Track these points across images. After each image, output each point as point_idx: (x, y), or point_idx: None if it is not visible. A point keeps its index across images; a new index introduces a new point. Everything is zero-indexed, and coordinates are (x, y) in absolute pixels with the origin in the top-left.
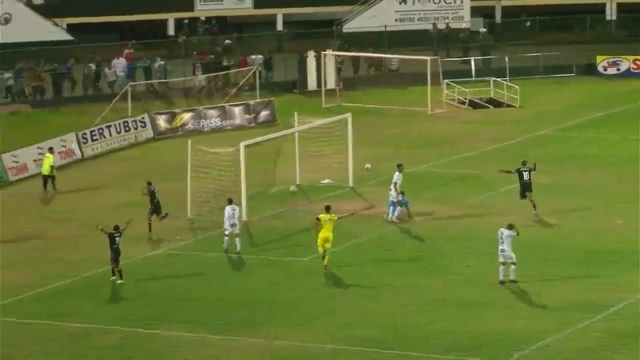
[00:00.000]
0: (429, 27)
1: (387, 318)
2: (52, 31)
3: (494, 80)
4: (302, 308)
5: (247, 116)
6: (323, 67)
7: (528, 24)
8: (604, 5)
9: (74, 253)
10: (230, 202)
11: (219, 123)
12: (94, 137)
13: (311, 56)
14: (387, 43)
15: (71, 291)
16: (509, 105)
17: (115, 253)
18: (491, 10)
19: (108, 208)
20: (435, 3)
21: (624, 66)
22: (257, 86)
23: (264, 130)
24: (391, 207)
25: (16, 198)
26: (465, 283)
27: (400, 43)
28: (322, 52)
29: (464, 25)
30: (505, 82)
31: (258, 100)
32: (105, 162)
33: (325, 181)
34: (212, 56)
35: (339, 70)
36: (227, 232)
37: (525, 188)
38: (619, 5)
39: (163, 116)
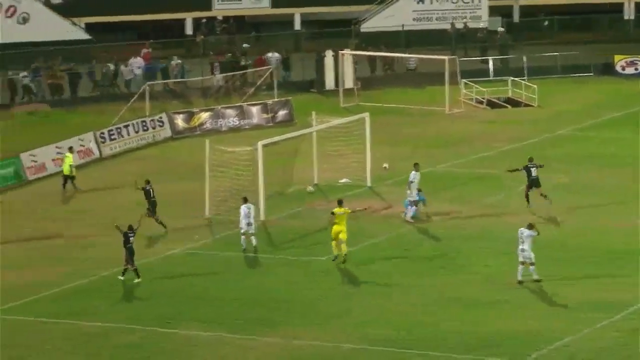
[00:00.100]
0: (447, 26)
1: (404, 317)
2: (70, 30)
3: (512, 80)
4: (320, 307)
5: (265, 116)
6: (341, 66)
7: (546, 23)
8: (621, 4)
9: (92, 252)
10: (245, 200)
11: (237, 122)
12: (112, 137)
13: (329, 55)
14: (405, 42)
15: (89, 290)
16: (527, 105)
17: (130, 252)
18: (509, 10)
19: (126, 207)
20: (453, 2)
21: None
22: (275, 86)
23: (282, 130)
24: (409, 207)
25: (35, 197)
26: (483, 283)
27: (417, 42)
28: (340, 51)
29: (481, 25)
30: (523, 82)
31: (276, 99)
32: (123, 161)
33: (343, 181)
34: (229, 54)
35: (355, 70)
36: (243, 231)
37: (534, 184)
38: (637, 4)
39: (181, 115)
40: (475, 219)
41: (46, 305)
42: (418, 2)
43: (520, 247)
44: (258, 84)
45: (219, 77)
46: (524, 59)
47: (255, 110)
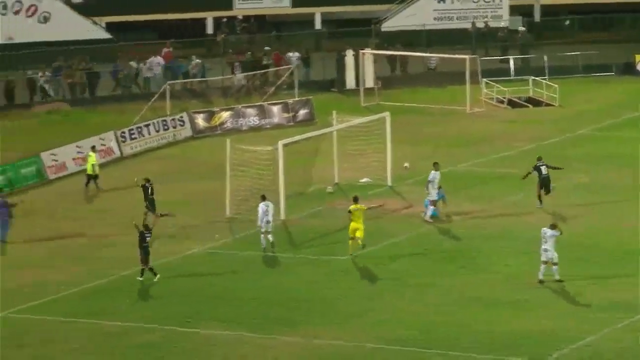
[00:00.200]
0: (468, 25)
1: (425, 317)
2: (90, 30)
3: (533, 79)
4: (340, 307)
5: (286, 115)
6: (361, 65)
7: (567, 22)
8: None
9: (112, 251)
10: (263, 198)
11: (258, 122)
12: (133, 136)
13: (349, 55)
14: (426, 42)
15: (108, 290)
16: (548, 105)
17: (145, 252)
18: (530, 9)
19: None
20: (474, 2)
21: None
22: (296, 85)
23: (303, 129)
24: (428, 207)
25: (56, 196)
26: (503, 282)
27: (438, 42)
28: (361, 50)
29: (502, 24)
30: (544, 81)
31: (296, 99)
32: (144, 160)
33: (364, 180)
34: (249, 53)
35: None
36: (262, 230)
37: (544, 182)
38: None
39: (202, 115)
40: (496, 219)
41: (66, 304)
42: (439, 2)
43: (543, 246)
44: (278, 83)
45: (239, 77)
46: (545, 58)
47: (275, 109)
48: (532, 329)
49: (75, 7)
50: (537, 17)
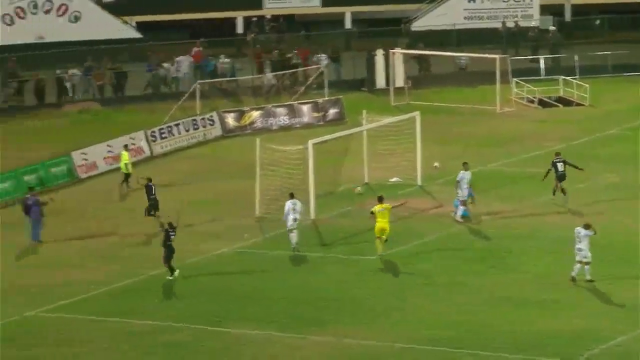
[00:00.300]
0: (498, 25)
1: (455, 317)
2: (121, 29)
3: (563, 79)
4: (370, 306)
5: (316, 114)
6: (391, 65)
7: (598, 22)
8: None
9: (142, 250)
10: (291, 196)
11: (288, 121)
12: (163, 135)
13: (379, 54)
14: (456, 41)
15: (138, 289)
16: (578, 104)
17: (170, 251)
18: (560, 9)
19: (177, 206)
20: (504, 1)
21: None
22: (326, 84)
23: (333, 129)
24: (458, 206)
25: (86, 195)
26: (533, 282)
27: (468, 41)
28: (391, 50)
29: (533, 24)
30: (574, 81)
31: (326, 98)
32: (174, 160)
33: (394, 179)
34: (276, 51)
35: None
36: (288, 227)
37: (560, 178)
38: None
39: (232, 114)
40: (526, 218)
41: (96, 303)
42: (469, 1)
43: (577, 246)
44: (308, 83)
45: (269, 76)
46: (576, 58)
47: (305, 108)
48: (563, 328)
49: (106, 7)
50: (567, 16)
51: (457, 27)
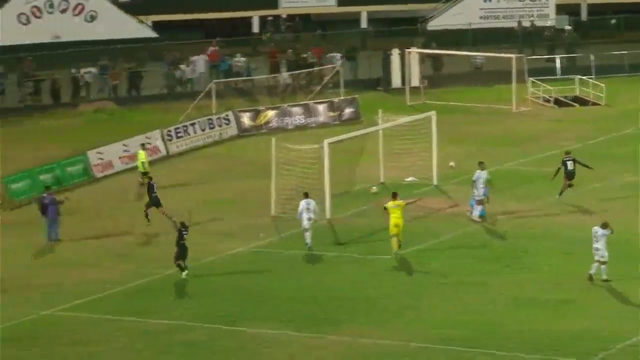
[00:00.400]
0: (514, 24)
1: (470, 316)
2: (137, 29)
3: (579, 79)
4: (385, 306)
5: (331, 114)
6: (407, 64)
7: (613, 21)
8: None
9: (157, 250)
10: (306, 196)
11: (303, 120)
12: (179, 135)
13: (395, 54)
14: (472, 41)
15: (153, 288)
16: (594, 104)
17: (182, 250)
18: (576, 8)
19: (193, 205)
20: (520, 1)
21: None
22: (341, 84)
23: (348, 128)
24: (474, 206)
25: (102, 194)
26: (549, 282)
27: (484, 41)
28: (407, 49)
29: (549, 23)
30: (590, 80)
31: (342, 97)
32: (190, 159)
33: (409, 179)
34: (290, 51)
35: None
36: (302, 227)
37: (569, 176)
38: None
39: (247, 114)
40: (542, 218)
41: (111, 302)
42: (485, 0)
43: (595, 245)
44: (324, 82)
45: (285, 75)
46: (592, 57)
47: (321, 108)
48: (578, 328)
49: (122, 6)
50: (583, 16)
51: (473, 26)
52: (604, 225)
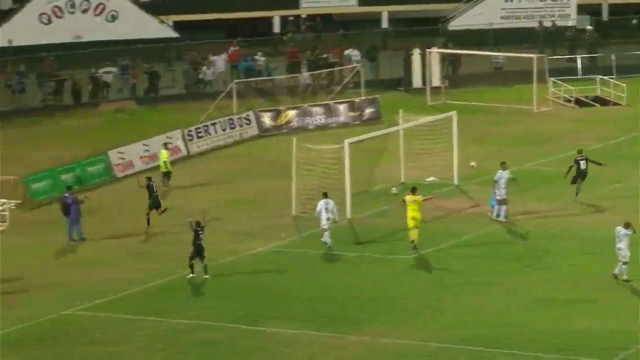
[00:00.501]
0: (535, 24)
1: (491, 316)
2: (158, 29)
3: (600, 79)
4: (406, 306)
5: (352, 114)
6: (428, 64)
7: (635, 21)
8: None
9: (177, 249)
10: (325, 196)
11: (324, 120)
12: (200, 134)
13: (416, 54)
14: (493, 41)
15: (173, 288)
16: (615, 104)
17: (199, 249)
18: (598, 8)
19: (213, 205)
20: (541, 1)
21: None
22: (362, 84)
23: (369, 128)
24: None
25: (123, 194)
26: (569, 282)
27: (505, 41)
28: (427, 49)
29: (570, 23)
30: (611, 80)
31: (363, 97)
32: (211, 159)
33: (430, 179)
34: (309, 52)
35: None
36: (321, 227)
37: (579, 175)
38: None
39: (268, 114)
40: (563, 218)
41: (131, 302)
42: (506, 1)
43: (617, 245)
44: (345, 82)
45: (305, 75)
46: (613, 57)
47: (342, 108)
48: (599, 328)
49: (143, 6)
50: (604, 16)
51: (494, 26)
52: (627, 225)
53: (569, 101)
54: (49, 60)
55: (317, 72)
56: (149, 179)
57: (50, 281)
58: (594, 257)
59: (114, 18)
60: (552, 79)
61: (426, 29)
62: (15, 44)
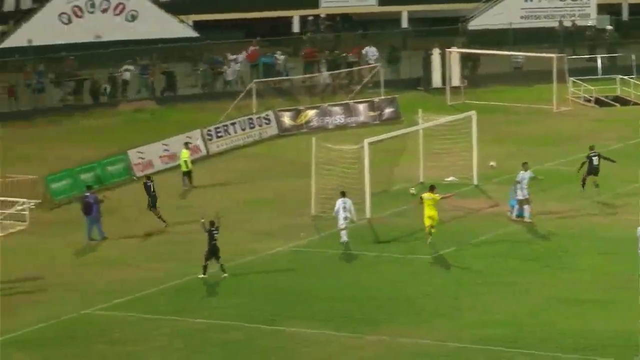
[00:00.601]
0: (555, 24)
1: (510, 316)
2: (177, 28)
3: (620, 78)
4: (424, 306)
5: (372, 113)
6: (447, 64)
7: None
8: None
9: (197, 249)
10: (343, 195)
11: (343, 120)
12: (219, 134)
13: (436, 53)
14: (512, 40)
15: (191, 288)
16: (635, 104)
17: (214, 250)
18: (618, 8)
19: (233, 205)
20: (561, 0)
21: None
22: (382, 83)
23: (388, 128)
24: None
25: (142, 194)
26: (588, 282)
27: (525, 40)
28: (447, 49)
29: (590, 23)
30: (632, 80)
31: (382, 97)
32: (230, 159)
33: (450, 179)
34: (327, 51)
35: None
36: (339, 226)
37: (592, 171)
38: None
39: (288, 113)
40: (582, 218)
41: (149, 302)
42: (526, 0)
43: None
44: (364, 82)
45: (325, 75)
46: (633, 57)
47: (361, 107)
48: (618, 329)
49: (163, 6)
50: (624, 15)
51: (514, 26)
52: None
53: (589, 101)
54: (69, 60)
55: (337, 71)
56: (148, 177)
57: (69, 281)
58: (613, 257)
59: (133, 18)
60: (572, 78)
61: (446, 29)
62: (35, 43)
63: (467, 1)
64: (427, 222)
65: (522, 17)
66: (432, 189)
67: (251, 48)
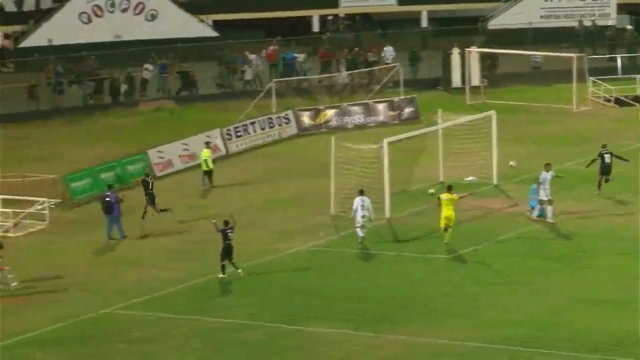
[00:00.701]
0: (575, 24)
1: (529, 316)
2: (197, 28)
3: None
4: (443, 306)
5: (391, 113)
6: (467, 64)
7: None
8: None
9: (216, 248)
10: (361, 193)
11: (363, 120)
12: (238, 134)
13: (455, 53)
14: (532, 40)
15: (211, 287)
16: None
17: (228, 249)
18: (638, 8)
19: (253, 204)
20: (581, 0)
21: None
22: (401, 83)
23: (408, 127)
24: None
25: (161, 193)
26: (608, 282)
27: (545, 40)
28: (467, 49)
29: (610, 23)
30: None
31: (402, 97)
32: (249, 158)
33: (469, 178)
34: (346, 50)
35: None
36: (358, 224)
37: (605, 169)
38: None
39: (307, 113)
40: (602, 218)
41: (169, 301)
42: (546, 0)
43: None
44: (384, 81)
45: (344, 75)
46: None
47: (381, 107)
48: (638, 329)
49: (182, 5)
50: None
51: (534, 25)
52: None
53: (609, 101)
54: (89, 60)
55: (356, 71)
56: (147, 175)
57: (89, 280)
58: (633, 257)
59: (153, 17)
60: (591, 78)
61: (465, 28)
62: (55, 43)
63: (486, 1)
64: (443, 223)
65: (541, 17)
66: (449, 189)
67: (270, 47)
